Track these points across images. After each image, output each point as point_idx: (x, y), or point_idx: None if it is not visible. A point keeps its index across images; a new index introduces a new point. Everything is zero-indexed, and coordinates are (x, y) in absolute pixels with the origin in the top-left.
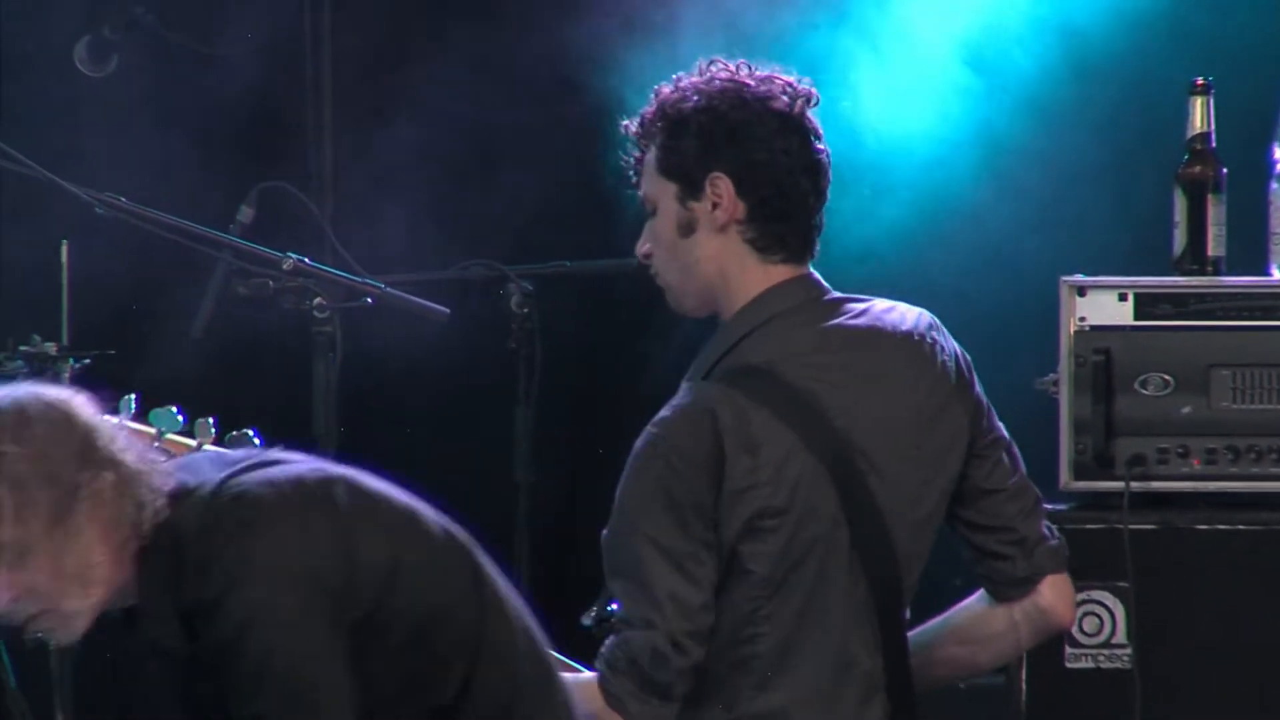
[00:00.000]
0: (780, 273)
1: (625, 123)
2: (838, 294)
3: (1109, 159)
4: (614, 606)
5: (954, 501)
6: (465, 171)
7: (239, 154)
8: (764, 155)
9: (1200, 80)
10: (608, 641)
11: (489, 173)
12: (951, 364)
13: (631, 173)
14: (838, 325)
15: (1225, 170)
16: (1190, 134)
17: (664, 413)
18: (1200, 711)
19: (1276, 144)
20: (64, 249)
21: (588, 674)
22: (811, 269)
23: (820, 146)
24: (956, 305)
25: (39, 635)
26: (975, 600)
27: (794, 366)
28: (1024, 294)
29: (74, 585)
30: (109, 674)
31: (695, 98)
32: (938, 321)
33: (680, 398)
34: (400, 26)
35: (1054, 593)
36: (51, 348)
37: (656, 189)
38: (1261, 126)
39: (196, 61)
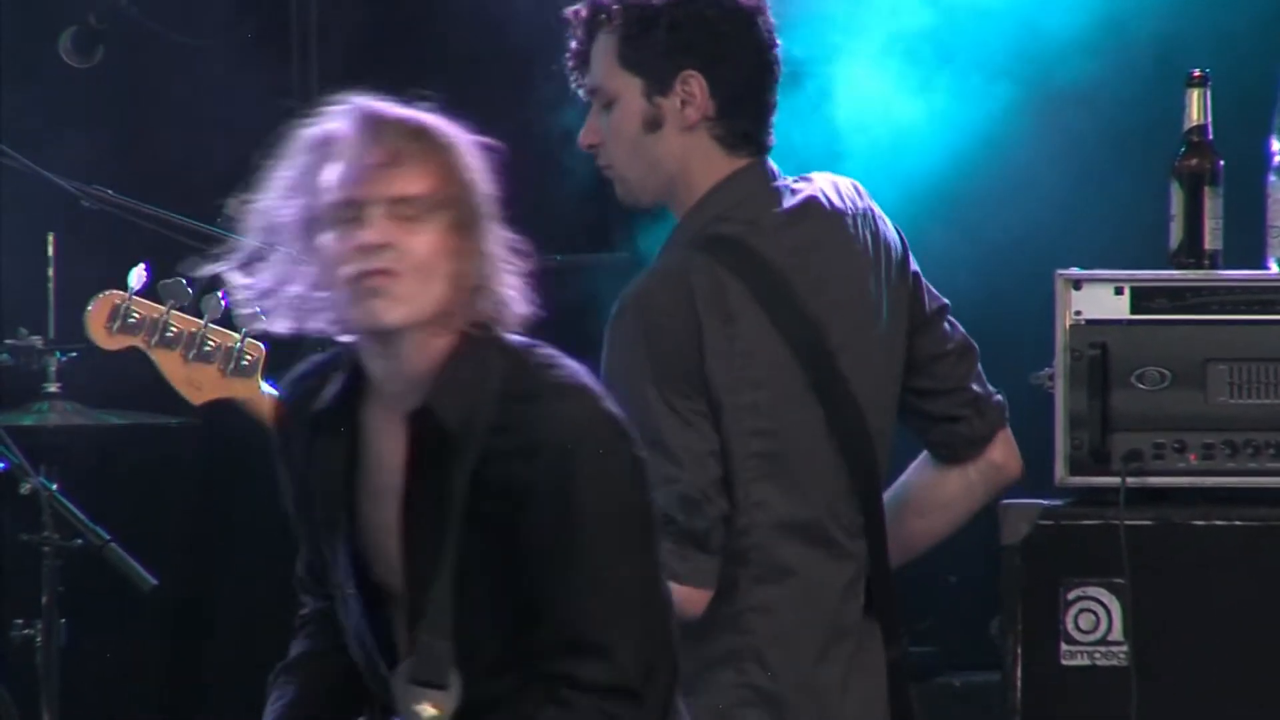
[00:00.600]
0: (742, 163)
1: (572, 9)
2: (788, 178)
3: (1105, 152)
4: None
5: (907, 373)
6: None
7: (226, 143)
8: (737, 54)
9: (1197, 72)
10: None
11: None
12: (895, 239)
13: (572, 60)
14: (797, 207)
15: (1222, 162)
16: (1187, 126)
17: (640, 279)
18: (1197, 709)
19: (1274, 136)
20: (50, 241)
21: None
22: (768, 157)
23: (777, 42)
24: (950, 299)
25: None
26: (922, 471)
27: (767, 244)
28: (1019, 288)
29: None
30: (95, 674)
31: None
32: (868, 195)
33: (656, 263)
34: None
35: (1005, 447)
36: (38, 341)
37: (616, 82)
38: (1259, 118)
39: (181, 50)
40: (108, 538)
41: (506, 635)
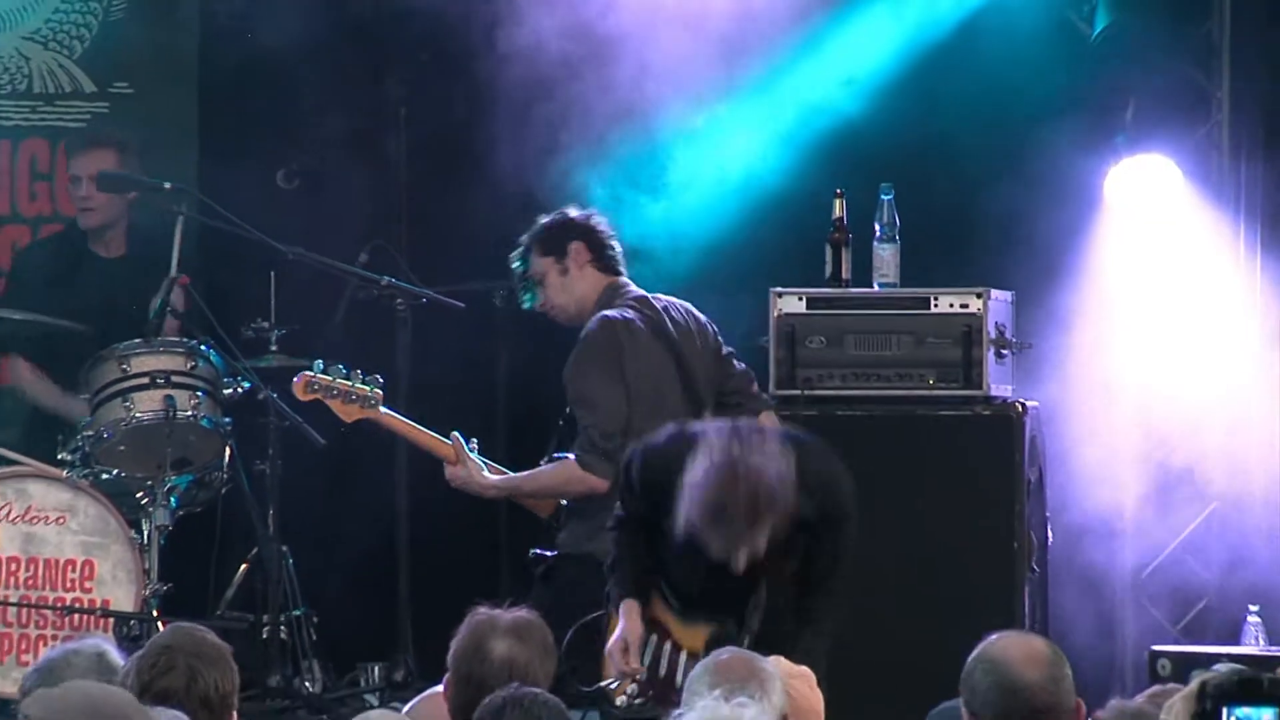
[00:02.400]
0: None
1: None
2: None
3: (792, 228)
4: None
5: (719, 389)
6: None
7: (347, 204)
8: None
9: (839, 190)
10: (577, 440)
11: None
12: (710, 328)
13: (522, 282)
14: (658, 298)
15: (852, 234)
16: (834, 217)
17: (591, 324)
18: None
19: (876, 223)
20: (272, 277)
21: (560, 462)
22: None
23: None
24: (717, 301)
25: None
26: None
27: (650, 314)
28: (755, 292)
29: None
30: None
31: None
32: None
33: (601, 313)
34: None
35: (766, 416)
36: (266, 325)
37: (540, 266)
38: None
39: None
40: (300, 419)
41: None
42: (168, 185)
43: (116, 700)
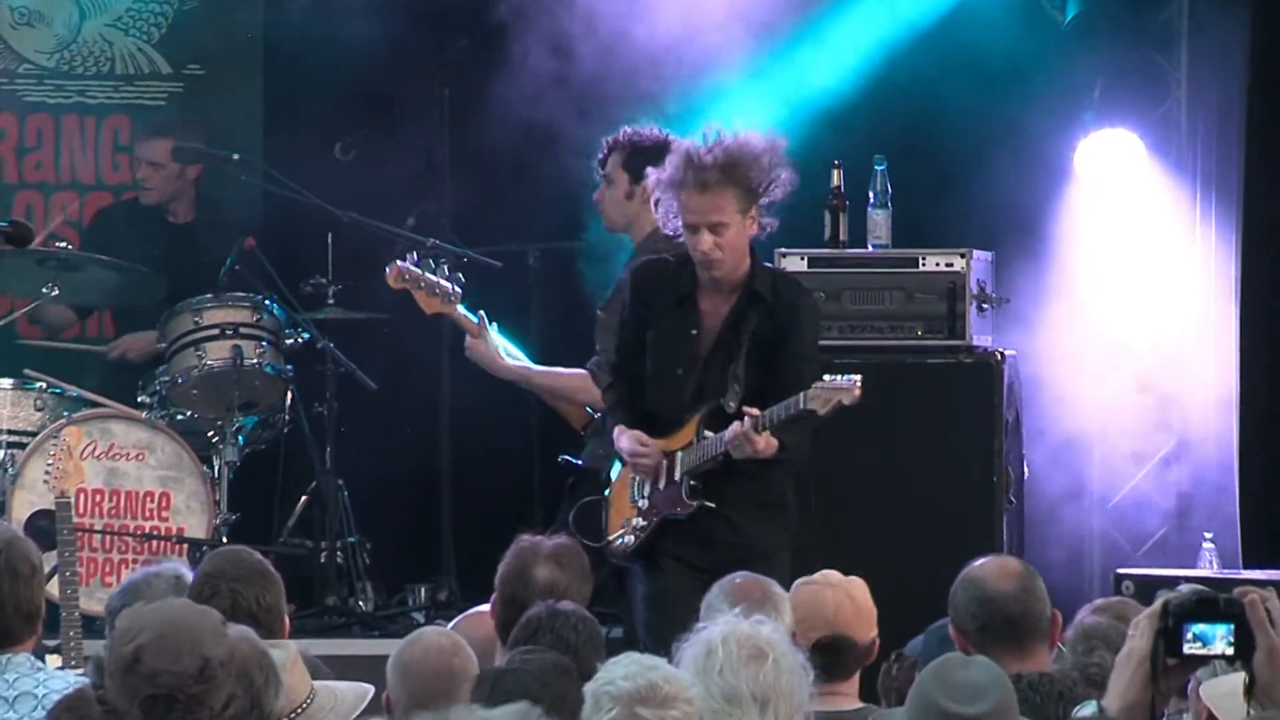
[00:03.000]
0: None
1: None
2: None
3: (806, 195)
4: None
5: None
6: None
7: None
8: None
9: (837, 162)
10: (594, 358)
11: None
12: None
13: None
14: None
15: (849, 201)
16: (832, 185)
17: (623, 273)
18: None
19: (870, 190)
20: (329, 239)
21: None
22: None
23: None
24: None
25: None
26: None
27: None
28: (761, 253)
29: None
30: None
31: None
32: None
33: (641, 259)
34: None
35: None
36: (324, 281)
37: (616, 173)
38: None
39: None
40: (354, 366)
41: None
42: (235, 156)
43: (199, 615)
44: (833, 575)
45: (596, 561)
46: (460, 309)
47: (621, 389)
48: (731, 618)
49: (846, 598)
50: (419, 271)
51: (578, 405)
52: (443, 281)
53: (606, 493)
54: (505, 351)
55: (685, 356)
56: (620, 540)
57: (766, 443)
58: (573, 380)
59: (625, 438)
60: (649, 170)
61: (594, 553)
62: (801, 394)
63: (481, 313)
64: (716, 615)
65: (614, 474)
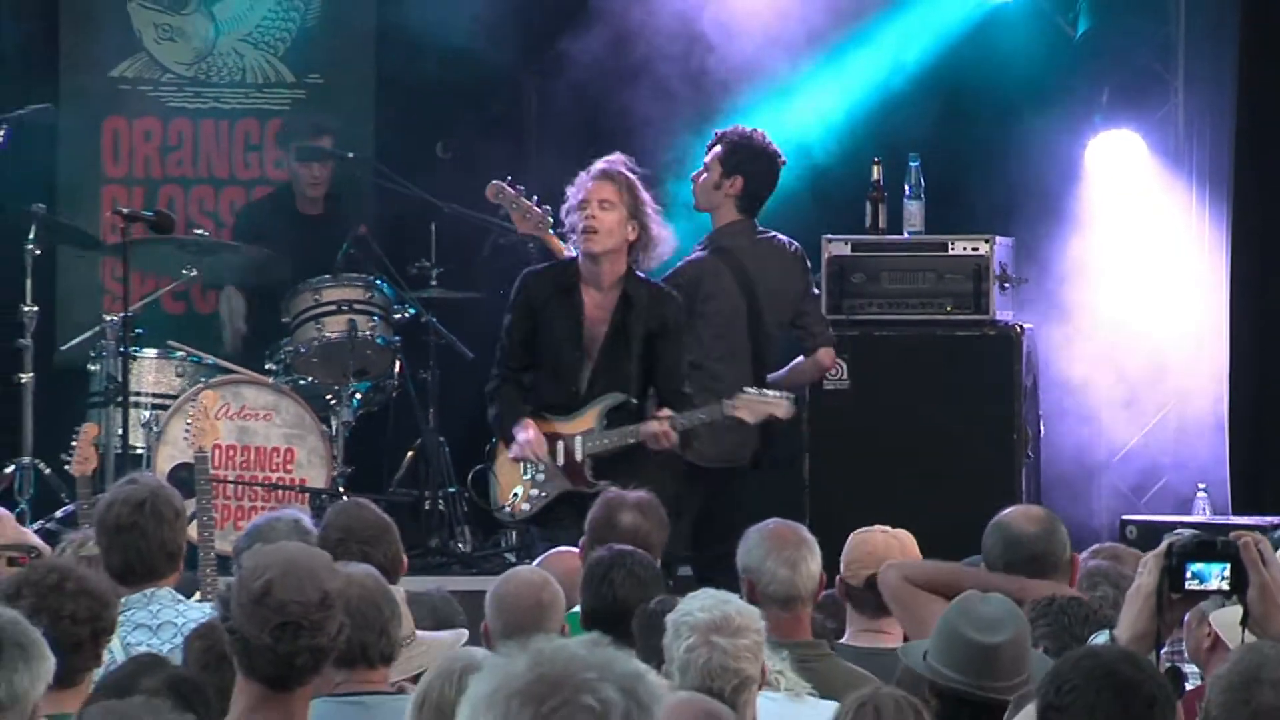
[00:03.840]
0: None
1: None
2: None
3: (849, 188)
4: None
5: (794, 318)
6: None
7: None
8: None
9: (876, 158)
10: None
11: None
12: (806, 271)
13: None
14: (775, 239)
15: (887, 193)
16: (872, 179)
17: (681, 263)
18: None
19: (906, 183)
20: (432, 227)
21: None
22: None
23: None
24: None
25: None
26: (794, 361)
27: (738, 258)
28: (810, 241)
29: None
30: None
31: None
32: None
33: (692, 256)
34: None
35: (824, 354)
36: (428, 264)
37: (712, 163)
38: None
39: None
40: (454, 338)
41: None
42: (350, 155)
43: (315, 554)
44: (880, 527)
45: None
46: (550, 233)
47: (511, 379)
48: (770, 564)
49: (894, 539)
50: (514, 192)
51: None
52: (535, 207)
53: (493, 464)
54: None
55: (576, 342)
56: (513, 505)
57: (672, 441)
58: None
59: (528, 431)
60: (737, 166)
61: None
62: (724, 403)
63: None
64: (755, 556)
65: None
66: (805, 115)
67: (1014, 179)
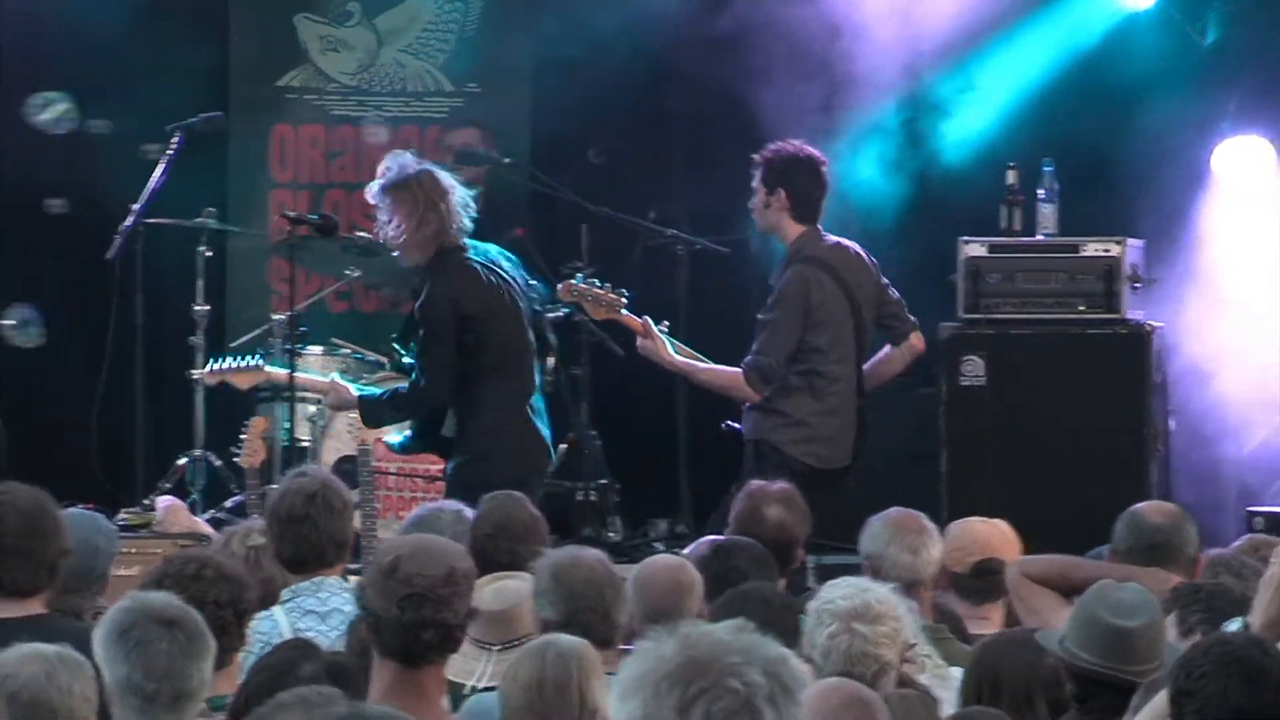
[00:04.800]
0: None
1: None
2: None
3: (989, 196)
4: None
5: (879, 313)
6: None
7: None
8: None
9: (1011, 163)
10: (748, 358)
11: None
12: (873, 265)
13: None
14: (842, 243)
15: (1022, 196)
16: (1007, 184)
17: (789, 275)
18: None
19: (1040, 188)
20: (584, 229)
21: (733, 370)
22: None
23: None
24: (921, 245)
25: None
26: (881, 353)
27: (833, 261)
28: (947, 243)
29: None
30: None
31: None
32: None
33: (798, 266)
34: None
35: (915, 337)
36: (580, 265)
37: (758, 186)
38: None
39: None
40: (606, 336)
41: None
42: (507, 160)
43: (446, 539)
44: (979, 518)
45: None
46: (625, 313)
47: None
48: (892, 551)
49: (994, 528)
50: (584, 287)
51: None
52: (608, 294)
53: None
54: (672, 347)
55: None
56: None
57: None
58: (725, 377)
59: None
60: (777, 180)
61: None
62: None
63: (646, 317)
64: (878, 542)
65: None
66: (944, 121)
67: (1145, 182)
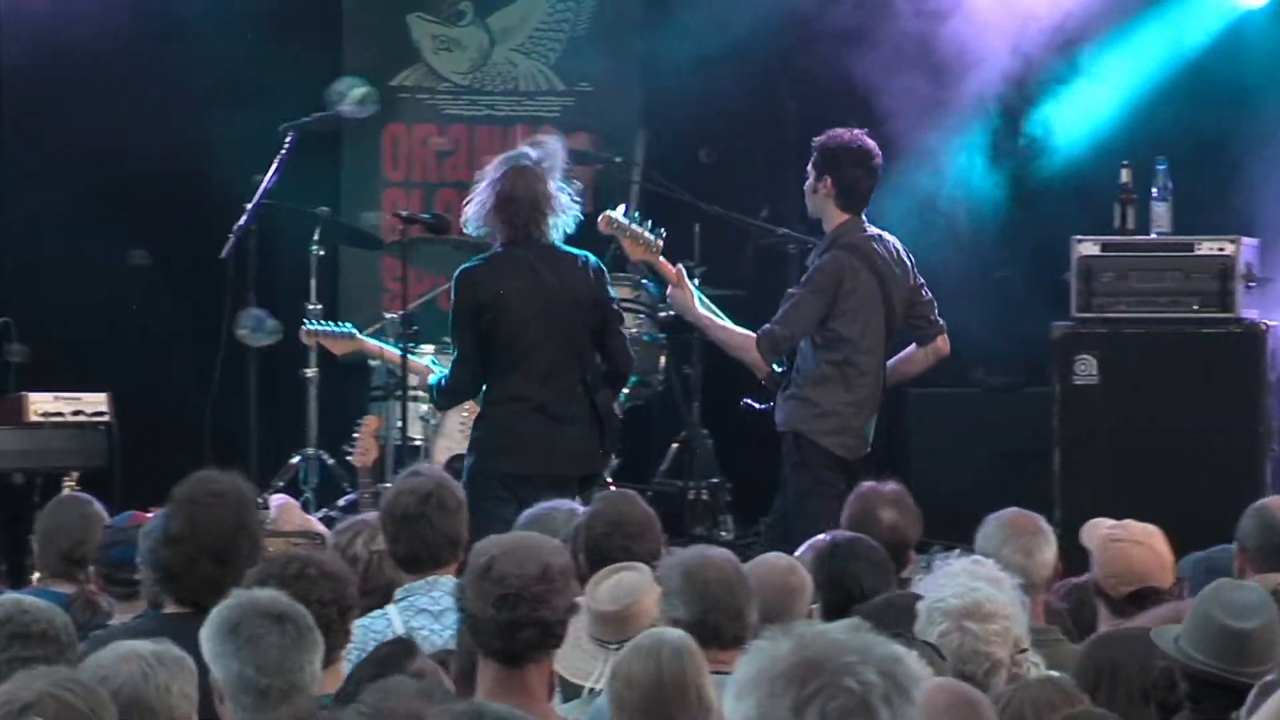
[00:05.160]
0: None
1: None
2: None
3: (1103, 191)
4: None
5: (909, 311)
6: None
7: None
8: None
9: (1125, 162)
10: (766, 325)
11: None
12: (911, 264)
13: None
14: (882, 237)
15: (1136, 195)
16: (1121, 182)
17: (828, 257)
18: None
19: (1154, 187)
20: (696, 228)
21: (748, 332)
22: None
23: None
24: (1031, 244)
25: None
26: (906, 351)
27: (869, 252)
28: (1062, 239)
29: None
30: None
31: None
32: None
33: (836, 251)
34: None
35: (942, 340)
36: (692, 263)
37: (810, 172)
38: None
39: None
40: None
41: None
42: (618, 159)
43: (539, 537)
44: (1135, 528)
45: None
46: (661, 259)
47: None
48: (1006, 550)
49: (1151, 553)
50: (625, 221)
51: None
52: (647, 233)
53: None
54: (700, 301)
55: None
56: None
57: None
58: (738, 338)
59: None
60: (825, 168)
61: None
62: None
63: (680, 265)
64: (992, 543)
65: None
66: (1057, 119)
67: (1258, 181)
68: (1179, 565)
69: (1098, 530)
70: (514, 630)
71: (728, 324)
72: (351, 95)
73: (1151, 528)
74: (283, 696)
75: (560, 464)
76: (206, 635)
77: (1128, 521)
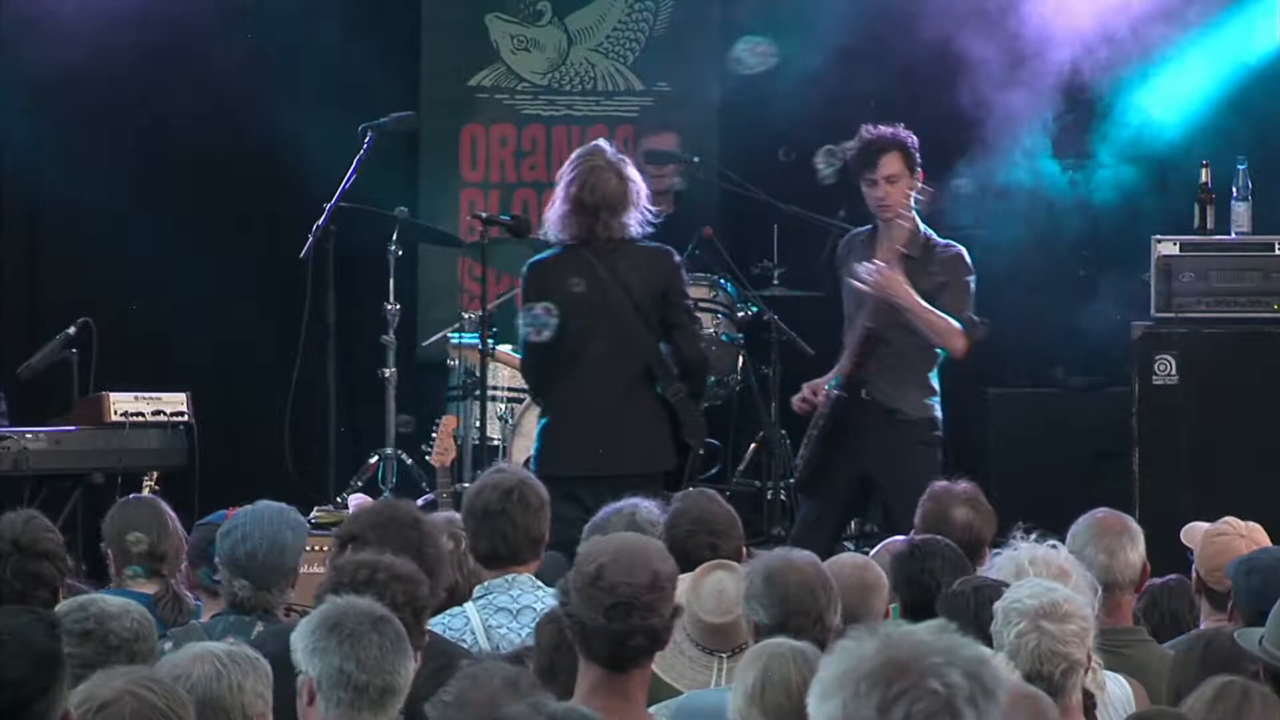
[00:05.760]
0: None
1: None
2: None
3: (1182, 193)
4: None
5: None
6: None
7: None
8: None
9: (1205, 161)
10: (966, 315)
11: None
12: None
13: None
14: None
15: (1215, 195)
16: (1200, 182)
17: (957, 249)
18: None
19: (1233, 186)
20: (774, 228)
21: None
22: None
23: None
24: (1110, 245)
25: None
26: None
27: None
28: (1143, 239)
29: None
30: None
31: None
32: None
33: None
34: None
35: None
36: (769, 264)
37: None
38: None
39: None
40: (794, 334)
41: None
42: (696, 159)
43: (646, 540)
44: (1236, 523)
45: None
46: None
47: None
48: (1090, 550)
49: (1255, 546)
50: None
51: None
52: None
53: None
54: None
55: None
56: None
57: None
58: (946, 325)
59: None
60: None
61: None
62: None
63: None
64: (1078, 542)
65: None
66: (1139, 118)
67: None
68: (1224, 567)
69: (1198, 529)
70: (625, 638)
71: (934, 310)
72: (754, 55)
73: (1253, 524)
74: (379, 695)
75: (611, 464)
76: (302, 633)
77: (1228, 518)
